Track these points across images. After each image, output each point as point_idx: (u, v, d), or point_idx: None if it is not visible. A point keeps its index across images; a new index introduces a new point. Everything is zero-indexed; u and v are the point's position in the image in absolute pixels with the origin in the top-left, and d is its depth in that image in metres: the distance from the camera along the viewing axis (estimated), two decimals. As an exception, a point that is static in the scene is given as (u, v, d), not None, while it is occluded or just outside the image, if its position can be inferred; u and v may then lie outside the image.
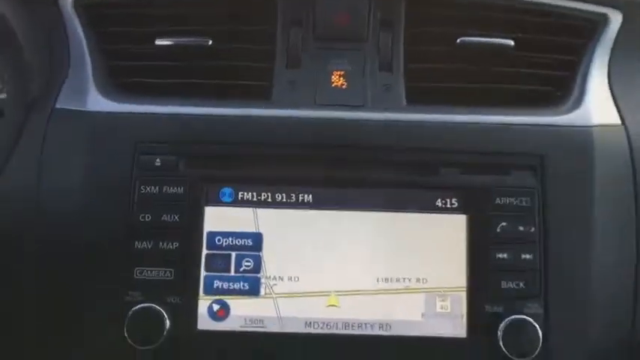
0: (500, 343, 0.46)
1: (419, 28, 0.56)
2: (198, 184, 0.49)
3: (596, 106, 0.53)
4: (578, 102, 0.53)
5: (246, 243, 0.49)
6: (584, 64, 0.56)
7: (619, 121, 0.53)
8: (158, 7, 0.56)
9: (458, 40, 0.54)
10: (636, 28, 0.59)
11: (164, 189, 0.49)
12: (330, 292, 0.49)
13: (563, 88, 0.55)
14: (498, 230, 0.49)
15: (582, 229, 0.49)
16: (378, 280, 0.49)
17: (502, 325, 0.47)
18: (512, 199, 0.49)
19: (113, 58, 0.56)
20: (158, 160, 0.50)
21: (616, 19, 0.57)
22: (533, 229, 0.49)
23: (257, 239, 0.50)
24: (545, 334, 0.47)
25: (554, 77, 0.56)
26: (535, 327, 0.47)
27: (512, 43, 0.55)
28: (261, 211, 0.50)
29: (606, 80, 0.55)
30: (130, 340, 0.46)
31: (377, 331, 0.49)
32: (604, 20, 0.57)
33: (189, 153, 0.50)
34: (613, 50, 0.57)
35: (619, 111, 0.54)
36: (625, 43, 0.57)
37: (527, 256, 0.48)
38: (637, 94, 0.56)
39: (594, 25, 0.57)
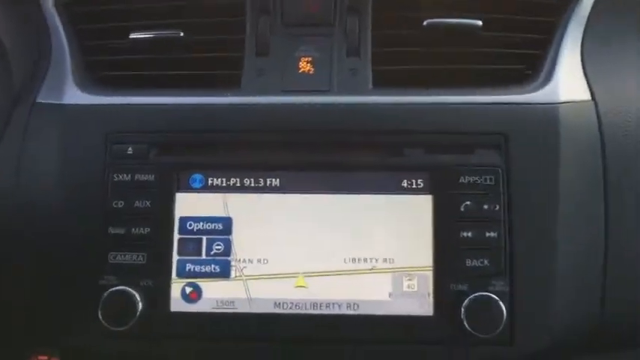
0: (464, 321, 0.47)
1: (386, 12, 0.56)
2: (168, 171, 0.51)
3: (565, 83, 0.53)
4: (547, 80, 0.53)
5: (216, 227, 0.51)
6: (555, 42, 0.55)
7: (589, 97, 0.53)
8: (132, 3, 0.58)
9: (425, 23, 0.55)
10: (610, 4, 0.58)
11: (136, 176, 0.51)
12: (298, 273, 0.50)
13: (534, 66, 0.55)
14: (462, 209, 0.49)
15: (547, 206, 0.49)
16: (345, 261, 0.50)
17: (466, 303, 0.47)
18: (476, 178, 0.49)
19: (92, 53, 0.58)
20: (130, 148, 0.51)
21: None
22: (497, 208, 0.49)
23: (227, 223, 0.51)
24: (510, 312, 0.48)
25: (526, 56, 0.56)
26: (498, 304, 0.47)
27: (480, 23, 0.55)
28: (231, 196, 0.51)
29: (579, 57, 0.55)
30: (103, 322, 0.48)
31: (345, 311, 0.49)
32: None
33: (159, 141, 0.52)
34: (586, 27, 0.56)
35: (590, 87, 0.53)
36: (599, 19, 0.57)
37: (492, 235, 0.49)
38: (611, 71, 0.55)
39: (565, 3, 0.57)
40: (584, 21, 0.56)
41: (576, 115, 0.52)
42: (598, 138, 0.51)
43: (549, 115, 0.51)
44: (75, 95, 0.54)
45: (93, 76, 0.57)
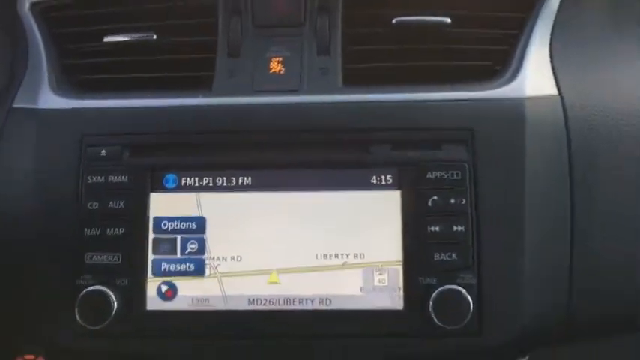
0: (432, 313, 0.48)
1: (356, 10, 0.57)
2: (142, 172, 0.52)
3: (532, 78, 0.53)
4: (514, 75, 0.54)
5: (190, 226, 0.52)
6: (523, 38, 0.56)
7: (555, 92, 0.53)
8: (106, 7, 0.59)
9: (394, 21, 0.55)
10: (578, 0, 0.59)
11: (109, 178, 0.52)
12: (271, 269, 0.51)
13: (503, 62, 0.56)
14: (430, 204, 0.50)
15: (514, 201, 0.50)
16: (317, 257, 0.51)
17: (434, 296, 0.48)
18: (443, 173, 0.50)
19: (68, 56, 0.59)
20: (103, 151, 0.52)
21: None
22: (464, 202, 0.50)
23: (200, 222, 0.52)
24: (478, 303, 0.49)
25: (494, 52, 0.56)
26: (465, 296, 0.48)
27: (448, 20, 0.55)
28: (204, 196, 0.52)
29: (547, 53, 0.55)
30: (80, 321, 0.49)
31: (317, 306, 0.50)
32: None
33: (132, 143, 0.53)
34: (556, 22, 0.57)
35: (557, 82, 0.54)
36: (569, 14, 0.57)
37: (459, 229, 0.50)
38: (579, 65, 0.56)
39: None
40: (552, 17, 0.57)
41: (542, 109, 0.52)
42: (564, 132, 0.52)
43: (515, 110, 0.52)
44: (50, 99, 0.55)
45: (69, 80, 0.58)
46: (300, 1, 0.56)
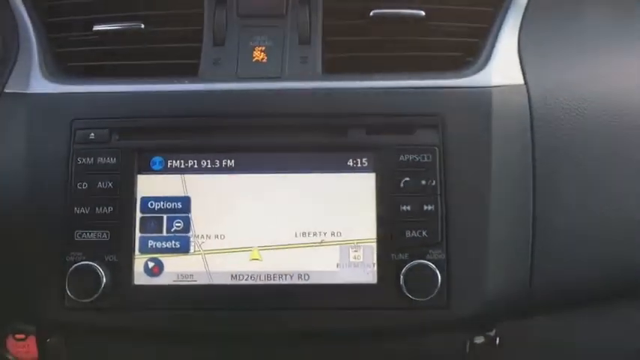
0: (403, 287, 0.51)
1: (335, 3, 0.60)
2: (130, 154, 0.54)
3: (500, 68, 0.57)
4: (483, 65, 0.57)
5: (176, 206, 0.54)
6: (494, 30, 0.59)
7: (522, 82, 0.57)
8: None
9: (372, 13, 0.58)
10: (548, -6, 0.63)
11: (98, 160, 0.54)
12: (253, 247, 0.54)
13: (475, 53, 0.59)
14: (402, 185, 0.53)
15: (480, 182, 0.53)
16: (296, 235, 0.54)
17: (404, 271, 0.51)
18: (414, 156, 0.53)
19: (58, 44, 0.61)
20: (92, 134, 0.55)
21: None
22: (434, 183, 0.53)
23: (186, 202, 0.54)
24: (447, 278, 0.52)
25: (466, 44, 0.60)
26: (433, 270, 0.51)
27: (423, 13, 0.58)
28: (189, 177, 0.55)
29: (515, 45, 0.59)
30: (70, 294, 0.52)
31: (296, 281, 0.53)
32: None
33: (120, 127, 0.55)
34: (524, 16, 0.60)
35: (524, 73, 0.57)
36: (536, 9, 0.61)
37: (429, 208, 0.53)
38: (546, 56, 0.59)
39: None
40: (521, 11, 0.60)
41: (508, 97, 0.56)
42: (528, 119, 0.55)
43: (482, 97, 0.55)
44: (41, 84, 0.57)
45: (59, 66, 0.60)
46: (282, -8, 0.60)
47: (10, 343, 0.63)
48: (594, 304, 0.60)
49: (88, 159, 0.54)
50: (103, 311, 0.53)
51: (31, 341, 0.63)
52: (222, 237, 0.54)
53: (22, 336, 0.65)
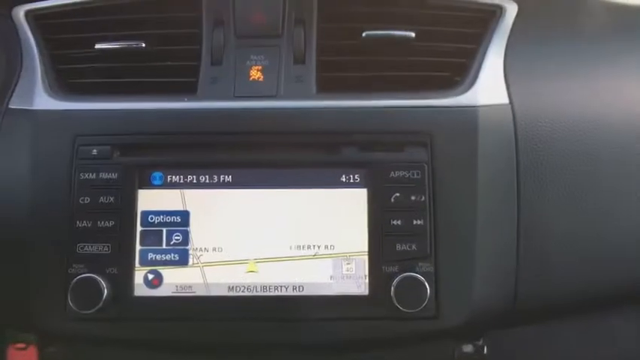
0: (394, 299, 0.53)
1: (329, 24, 0.62)
2: (130, 169, 0.56)
3: (486, 88, 0.59)
4: (470, 85, 0.59)
5: (175, 220, 0.56)
6: (481, 51, 0.62)
7: (507, 101, 0.59)
8: (98, 16, 0.63)
9: (364, 34, 0.61)
10: (532, 16, 0.65)
11: (100, 175, 0.56)
12: (249, 259, 0.56)
13: (462, 73, 0.61)
14: (393, 200, 0.55)
15: (467, 197, 0.55)
16: (291, 248, 0.56)
17: (395, 283, 0.53)
18: (405, 173, 0.56)
19: (61, 61, 0.63)
20: (95, 150, 0.56)
21: (511, 9, 0.64)
22: (423, 199, 0.55)
23: (185, 216, 0.56)
24: (435, 290, 0.54)
25: (454, 64, 0.62)
26: (422, 283, 0.53)
27: (413, 35, 0.61)
28: (188, 192, 0.56)
29: (501, 65, 0.61)
30: (72, 306, 0.53)
31: (291, 292, 0.55)
32: (500, 10, 0.63)
33: (122, 143, 0.57)
34: (510, 37, 0.63)
35: (509, 92, 0.59)
36: (522, 31, 0.63)
37: (419, 222, 0.55)
38: (531, 77, 0.61)
39: (491, 16, 0.63)
40: (507, 33, 0.63)
41: (494, 117, 0.58)
42: (513, 137, 0.57)
43: (469, 116, 0.57)
44: (44, 101, 0.59)
45: (62, 83, 0.62)
46: (278, 14, 0.61)
47: (11, 352, 0.64)
48: (580, 314, 0.63)
49: (90, 174, 0.56)
50: (104, 322, 0.55)
51: (32, 351, 0.64)
52: (220, 250, 0.56)
53: (22, 345, 0.67)
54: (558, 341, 0.63)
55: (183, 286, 0.56)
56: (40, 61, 0.61)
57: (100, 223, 0.55)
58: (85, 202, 0.55)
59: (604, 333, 0.66)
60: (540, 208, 0.57)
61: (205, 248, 0.56)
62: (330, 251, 0.56)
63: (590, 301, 0.60)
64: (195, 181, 0.57)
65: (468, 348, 0.62)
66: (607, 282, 0.59)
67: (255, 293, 0.55)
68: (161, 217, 0.56)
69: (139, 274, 0.56)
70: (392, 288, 0.53)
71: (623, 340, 0.66)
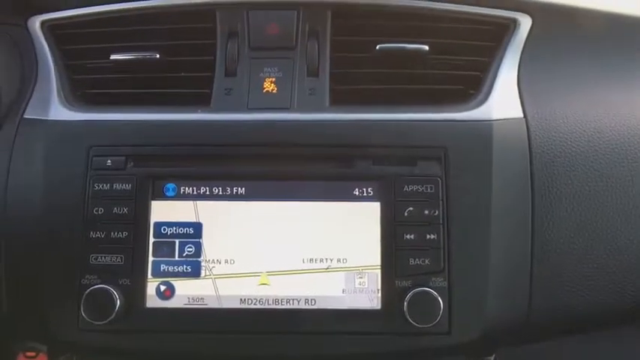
0: (407, 313, 0.53)
1: (343, 36, 0.62)
2: (144, 181, 0.56)
3: (501, 102, 0.59)
4: (484, 99, 0.59)
5: (188, 231, 0.56)
6: (495, 64, 0.62)
7: (521, 115, 0.59)
8: (113, 27, 0.63)
9: (377, 47, 0.61)
10: (546, 30, 0.64)
11: (114, 186, 0.56)
12: (261, 272, 0.56)
13: (476, 86, 0.61)
14: (406, 214, 0.55)
15: (481, 212, 0.55)
16: (303, 261, 0.56)
17: (408, 297, 0.53)
18: (418, 187, 0.56)
19: (75, 71, 0.63)
20: (109, 161, 0.57)
21: (525, 22, 0.64)
22: (437, 213, 0.55)
23: (197, 228, 0.56)
24: (448, 305, 0.54)
25: (468, 77, 0.62)
26: (436, 298, 0.53)
27: (426, 47, 0.61)
28: (201, 203, 0.57)
29: (515, 79, 0.61)
30: (85, 317, 0.53)
31: (303, 306, 0.55)
32: (514, 24, 0.63)
33: (136, 154, 0.57)
34: (524, 51, 0.63)
35: (523, 106, 0.59)
36: (535, 44, 0.63)
37: (432, 237, 0.55)
38: (544, 91, 0.61)
39: (505, 29, 0.63)
40: (520, 46, 0.63)
41: (508, 131, 0.58)
42: (527, 151, 0.57)
43: (484, 131, 0.57)
44: (59, 112, 0.59)
45: (77, 93, 0.62)
46: (292, 26, 0.61)
47: (21, 360, 0.65)
48: (593, 330, 0.62)
49: (104, 185, 0.56)
50: (116, 333, 0.55)
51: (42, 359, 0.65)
52: (232, 262, 0.56)
53: (32, 354, 0.67)
54: (571, 358, 0.62)
55: (195, 298, 0.56)
56: (55, 71, 0.62)
57: (113, 234, 0.55)
58: (99, 212, 0.56)
59: (617, 350, 0.65)
60: (555, 223, 0.56)
61: (218, 260, 0.56)
62: (342, 265, 0.56)
63: (604, 318, 0.60)
64: (208, 192, 0.57)
65: None
66: (621, 299, 0.58)
67: (267, 306, 0.55)
68: (174, 228, 0.56)
69: (152, 286, 0.56)
70: (405, 303, 0.53)
71: (638, 357, 0.65)
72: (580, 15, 0.66)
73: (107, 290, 0.53)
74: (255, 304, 0.55)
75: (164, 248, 0.56)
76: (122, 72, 0.62)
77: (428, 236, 0.55)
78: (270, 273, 0.56)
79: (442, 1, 0.63)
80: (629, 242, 0.58)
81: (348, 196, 0.56)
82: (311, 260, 0.56)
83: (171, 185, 0.57)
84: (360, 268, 0.55)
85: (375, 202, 0.56)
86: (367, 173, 0.56)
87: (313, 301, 0.55)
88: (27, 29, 0.64)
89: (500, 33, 0.63)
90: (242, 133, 0.58)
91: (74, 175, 0.56)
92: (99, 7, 0.63)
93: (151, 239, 0.56)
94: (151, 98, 0.61)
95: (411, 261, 0.54)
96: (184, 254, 0.56)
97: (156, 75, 0.61)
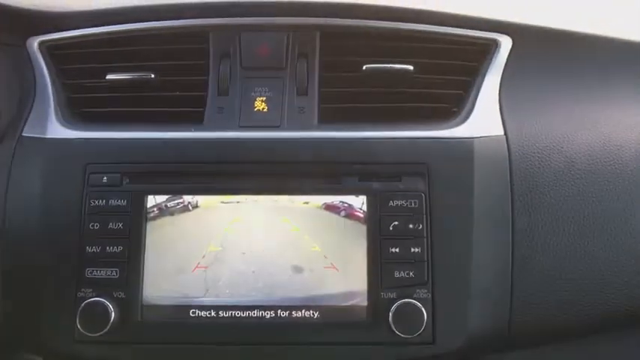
0: (392, 324, 0.55)
1: (331, 57, 0.65)
2: (139, 197, 0.58)
3: (482, 120, 0.62)
4: (466, 117, 0.62)
5: None
6: (476, 83, 0.64)
7: (502, 133, 0.61)
8: (109, 47, 0.66)
9: (364, 67, 0.63)
10: (526, 50, 0.67)
11: (110, 202, 0.58)
12: (252, 283, 0.57)
13: (458, 105, 0.64)
14: (391, 228, 0.57)
15: (463, 226, 0.58)
16: (290, 273, 0.57)
17: (393, 309, 0.55)
18: (403, 202, 0.58)
19: (72, 90, 0.65)
20: (105, 178, 0.59)
21: (506, 43, 0.66)
22: (420, 227, 0.57)
23: None
24: (432, 315, 0.56)
25: (451, 95, 0.64)
26: (420, 309, 0.55)
27: (411, 68, 0.63)
28: (194, 218, 0.59)
29: (496, 98, 0.64)
30: (80, 329, 0.55)
31: (290, 317, 0.56)
32: (495, 45, 0.66)
33: (131, 171, 0.59)
34: (505, 71, 0.65)
35: (504, 124, 0.62)
36: (516, 64, 0.66)
37: (416, 250, 0.57)
38: (524, 109, 0.64)
39: (486, 49, 0.66)
40: (501, 66, 0.65)
41: (489, 148, 0.60)
42: (507, 168, 0.60)
43: (466, 148, 0.60)
44: (57, 130, 0.61)
45: (73, 112, 0.64)
46: (282, 47, 0.64)
47: (17, 372, 0.66)
48: (576, 338, 0.64)
49: (100, 201, 0.58)
50: (110, 345, 0.56)
51: (37, 371, 0.66)
52: (224, 273, 0.57)
53: (28, 365, 0.68)
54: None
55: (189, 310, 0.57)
56: (52, 90, 0.64)
57: (109, 249, 0.57)
58: (95, 228, 0.58)
59: (601, 357, 0.67)
60: (534, 236, 0.59)
61: (210, 272, 0.57)
62: (329, 276, 0.57)
63: (586, 325, 0.62)
64: (201, 207, 0.59)
65: None
66: (602, 308, 0.61)
67: (257, 318, 0.56)
68: None
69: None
70: (390, 314, 0.55)
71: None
72: (558, 36, 0.69)
73: (102, 303, 0.55)
74: (246, 315, 0.56)
75: None
76: (118, 91, 0.64)
77: (412, 249, 0.57)
78: (259, 284, 0.57)
79: (426, 23, 0.65)
80: (607, 255, 0.60)
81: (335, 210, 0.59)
82: (299, 271, 0.57)
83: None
84: (347, 280, 0.57)
85: (362, 216, 0.58)
86: (354, 189, 0.58)
87: (300, 312, 0.57)
88: (26, 49, 0.66)
89: (482, 53, 0.66)
90: (234, 150, 0.60)
91: (71, 192, 0.58)
92: (96, 28, 0.66)
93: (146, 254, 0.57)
94: (146, 117, 0.63)
95: (396, 273, 0.57)
96: (178, 268, 0.58)
97: (151, 94, 0.64)
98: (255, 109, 0.62)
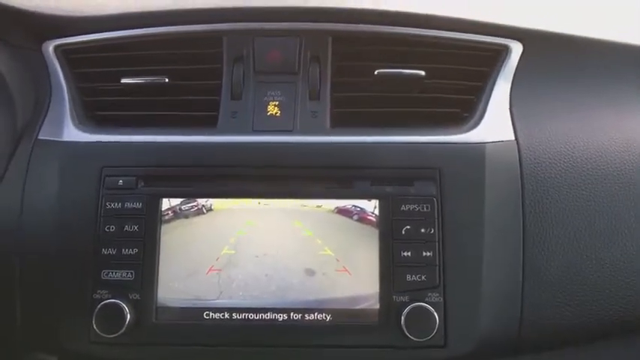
0: (404, 328, 0.55)
1: (343, 62, 0.65)
2: (154, 200, 0.59)
3: (493, 125, 0.62)
4: (478, 122, 0.62)
5: None
6: (487, 88, 0.65)
7: (513, 138, 0.62)
8: (123, 52, 0.66)
9: (376, 72, 0.64)
10: (536, 56, 0.68)
11: (125, 204, 0.59)
12: (265, 285, 0.58)
13: (470, 110, 0.64)
14: (403, 232, 0.58)
15: (475, 230, 0.58)
16: (303, 276, 0.58)
17: (405, 312, 0.56)
18: (415, 206, 0.58)
19: (87, 94, 0.66)
20: (121, 181, 0.59)
21: (517, 48, 0.67)
22: (432, 231, 0.58)
23: None
24: (444, 319, 0.56)
25: (463, 100, 0.65)
26: (432, 312, 0.56)
27: (422, 73, 0.64)
28: (207, 221, 0.60)
29: (507, 102, 0.64)
30: (96, 330, 0.56)
31: (302, 320, 0.57)
32: (506, 50, 0.66)
33: (147, 175, 0.60)
34: (515, 76, 0.66)
35: (515, 129, 0.63)
36: (526, 70, 0.66)
37: (428, 254, 0.58)
38: (535, 115, 0.65)
39: (497, 55, 0.66)
40: (513, 70, 0.66)
41: (500, 153, 0.61)
42: (518, 172, 0.60)
43: (477, 153, 0.60)
44: (73, 133, 0.62)
45: (88, 115, 0.65)
46: (295, 52, 0.64)
47: (31, 372, 0.67)
48: (586, 343, 0.64)
49: (116, 204, 0.59)
50: (126, 346, 0.57)
51: (51, 371, 0.67)
52: (237, 276, 0.58)
53: (42, 364, 0.69)
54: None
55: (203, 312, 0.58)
56: (68, 93, 0.65)
57: (125, 251, 0.58)
58: (111, 230, 0.58)
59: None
60: (545, 241, 0.59)
61: (224, 275, 0.58)
62: (341, 280, 0.58)
63: (596, 330, 0.62)
64: (214, 210, 0.60)
65: None
66: (612, 312, 0.61)
67: (269, 320, 0.57)
68: None
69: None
70: (402, 317, 0.56)
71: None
72: (569, 41, 0.69)
73: (118, 305, 0.56)
74: (259, 316, 0.57)
75: None
76: (132, 95, 0.65)
77: (424, 253, 0.57)
78: (273, 286, 0.57)
79: (437, 29, 0.66)
80: (617, 259, 0.61)
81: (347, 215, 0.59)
82: (311, 274, 0.58)
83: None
84: (359, 284, 0.58)
85: (374, 220, 0.59)
86: (366, 193, 0.59)
87: (312, 315, 0.58)
88: (41, 53, 0.67)
89: (493, 59, 0.66)
90: (247, 154, 0.61)
91: (87, 194, 0.59)
92: (111, 33, 0.66)
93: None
94: (160, 120, 0.63)
95: (408, 277, 0.57)
96: (192, 270, 0.59)
97: (165, 98, 0.64)
98: (268, 114, 0.63)
